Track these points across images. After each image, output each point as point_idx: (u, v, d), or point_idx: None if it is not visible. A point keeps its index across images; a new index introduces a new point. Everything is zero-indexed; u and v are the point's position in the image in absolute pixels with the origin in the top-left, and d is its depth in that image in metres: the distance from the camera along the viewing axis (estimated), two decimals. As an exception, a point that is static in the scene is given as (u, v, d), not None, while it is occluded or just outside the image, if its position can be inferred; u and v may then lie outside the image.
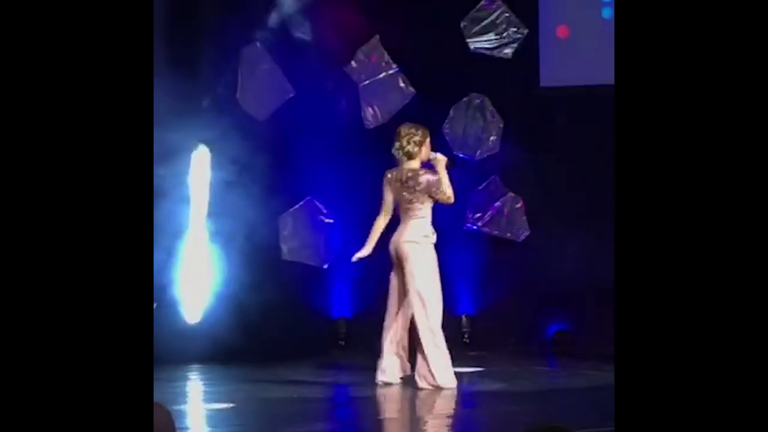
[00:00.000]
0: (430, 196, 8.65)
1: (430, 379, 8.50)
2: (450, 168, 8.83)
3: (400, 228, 8.70)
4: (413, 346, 8.66)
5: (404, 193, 8.68)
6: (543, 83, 11.36)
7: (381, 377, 8.71)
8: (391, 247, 8.71)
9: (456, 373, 8.73)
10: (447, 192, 8.66)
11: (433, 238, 8.70)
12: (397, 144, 8.72)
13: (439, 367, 8.53)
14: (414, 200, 8.65)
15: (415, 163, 8.71)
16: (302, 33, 10.72)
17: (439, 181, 8.62)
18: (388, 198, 8.79)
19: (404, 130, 8.77)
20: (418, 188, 8.62)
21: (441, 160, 8.73)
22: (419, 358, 8.57)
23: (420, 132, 8.74)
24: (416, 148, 8.70)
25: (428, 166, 8.76)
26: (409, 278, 8.58)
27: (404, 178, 8.68)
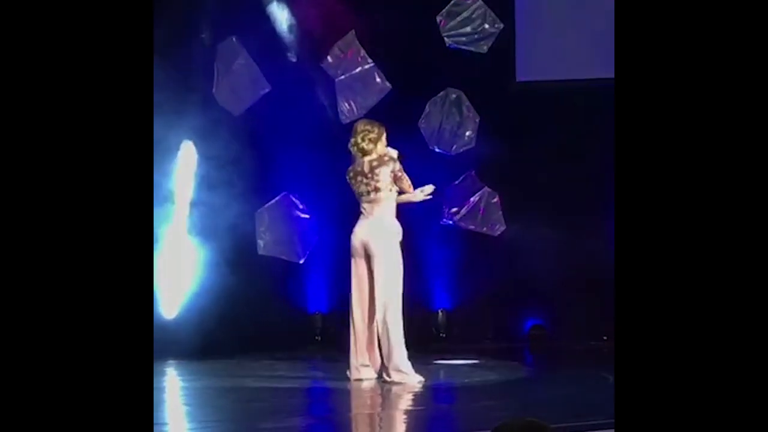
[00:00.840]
0: (396, 183, 8.66)
1: (395, 372, 8.51)
2: (402, 160, 8.85)
3: (366, 223, 8.68)
4: (378, 341, 8.66)
5: (366, 185, 8.67)
6: (519, 77, 11.37)
7: (353, 373, 8.72)
8: (356, 241, 8.68)
9: (431, 368, 8.74)
10: (406, 182, 8.71)
11: (400, 233, 8.70)
12: (352, 140, 8.75)
13: (401, 359, 8.54)
14: (378, 188, 8.64)
15: (372, 156, 8.72)
16: (278, 27, 10.72)
17: (400, 167, 8.67)
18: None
19: (360, 126, 8.80)
20: (380, 174, 8.63)
21: (393, 155, 8.74)
22: (383, 352, 8.58)
23: (375, 129, 8.74)
24: (371, 145, 8.71)
25: None
26: (376, 275, 8.58)
27: (366, 171, 8.68)
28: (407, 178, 8.72)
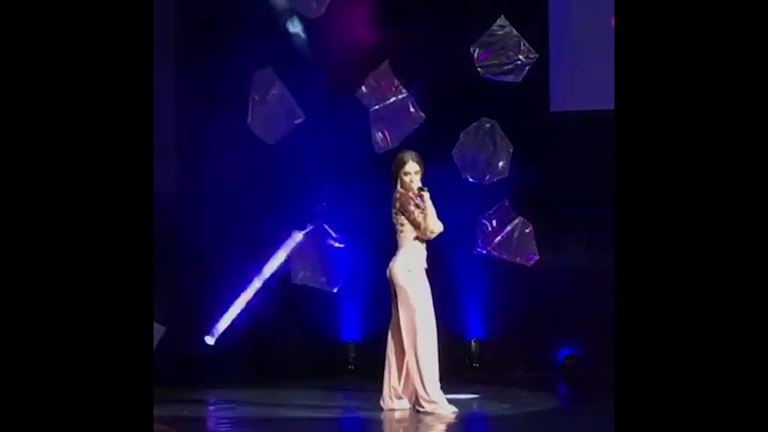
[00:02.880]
0: (408, 220, 8.67)
1: (428, 403, 8.50)
2: (463, 194, 8.86)
3: (395, 255, 8.73)
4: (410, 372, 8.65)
5: (394, 216, 8.74)
6: (553, 108, 11.37)
7: (386, 403, 8.71)
8: (387, 274, 8.74)
9: (464, 399, 8.71)
10: (415, 220, 8.62)
11: (425, 264, 8.69)
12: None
13: (433, 389, 8.53)
14: (396, 222, 8.69)
15: (401, 189, 8.76)
16: (312, 57, 10.77)
17: (406, 207, 8.61)
18: None
19: (399, 156, 8.87)
20: (394, 208, 8.67)
21: (423, 194, 8.72)
22: (415, 383, 8.57)
23: (395, 162, 8.78)
24: (392, 176, 8.76)
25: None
26: (400, 306, 8.61)
27: (394, 203, 8.75)
28: (414, 218, 8.65)
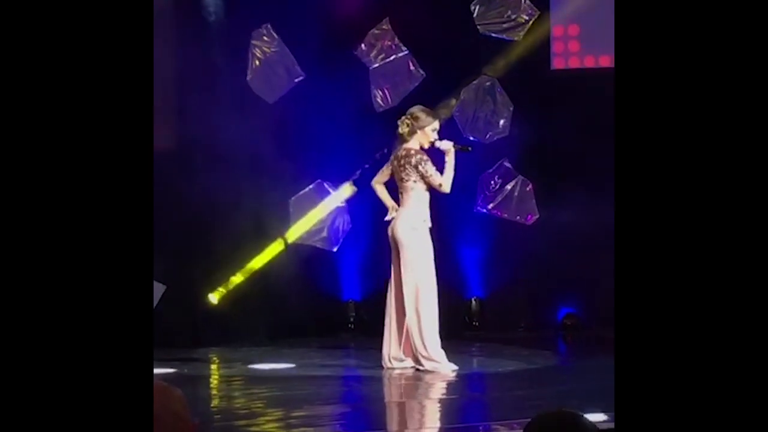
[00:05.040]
0: (421, 177, 8.62)
1: (428, 361, 8.51)
2: (466, 154, 8.84)
3: (398, 212, 8.69)
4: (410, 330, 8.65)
5: (399, 172, 8.69)
6: (554, 65, 11.33)
7: (386, 362, 8.72)
8: (389, 232, 8.71)
9: (465, 357, 8.73)
10: (434, 179, 8.60)
11: (429, 222, 8.67)
12: (398, 121, 8.79)
13: (433, 347, 8.53)
14: (405, 178, 8.65)
15: (411, 145, 8.71)
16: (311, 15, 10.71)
17: (426, 162, 8.58)
18: (386, 170, 8.80)
19: (410, 110, 8.80)
20: (408, 165, 8.61)
21: (448, 150, 8.68)
22: (415, 341, 8.57)
23: (419, 118, 8.70)
24: (405, 130, 8.70)
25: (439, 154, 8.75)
26: (402, 265, 8.59)
27: (399, 156, 8.70)
28: (433, 173, 8.62)
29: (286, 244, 10.52)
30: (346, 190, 10.28)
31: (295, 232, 10.51)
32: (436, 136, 8.73)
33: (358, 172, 9.84)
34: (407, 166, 8.63)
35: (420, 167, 8.57)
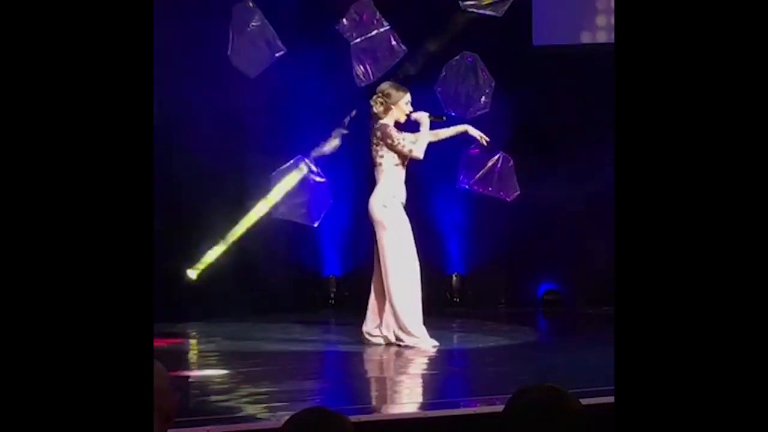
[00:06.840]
0: (390, 148, 8.61)
1: (408, 337, 8.51)
2: (440, 123, 8.85)
3: (373, 191, 8.70)
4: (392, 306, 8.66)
5: (371, 151, 8.71)
6: (535, 42, 11.32)
7: (368, 337, 8.73)
8: (368, 209, 8.72)
9: (445, 332, 8.74)
10: (402, 147, 8.59)
11: (402, 198, 8.66)
12: (371, 101, 8.78)
13: (412, 323, 8.53)
14: (374, 155, 8.66)
15: (386, 121, 8.71)
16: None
17: (390, 131, 8.56)
18: None
19: (379, 88, 8.80)
20: (375, 138, 8.63)
21: (422, 119, 8.71)
22: (395, 317, 8.57)
23: (390, 94, 8.70)
24: (380, 108, 8.70)
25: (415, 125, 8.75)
26: (378, 242, 8.62)
27: (372, 137, 8.71)
28: (399, 140, 8.61)
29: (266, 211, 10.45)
30: (334, 141, 10.23)
31: (273, 199, 10.49)
32: (410, 108, 8.75)
33: (346, 120, 9.74)
34: (377, 142, 8.66)
35: (388, 140, 8.58)
